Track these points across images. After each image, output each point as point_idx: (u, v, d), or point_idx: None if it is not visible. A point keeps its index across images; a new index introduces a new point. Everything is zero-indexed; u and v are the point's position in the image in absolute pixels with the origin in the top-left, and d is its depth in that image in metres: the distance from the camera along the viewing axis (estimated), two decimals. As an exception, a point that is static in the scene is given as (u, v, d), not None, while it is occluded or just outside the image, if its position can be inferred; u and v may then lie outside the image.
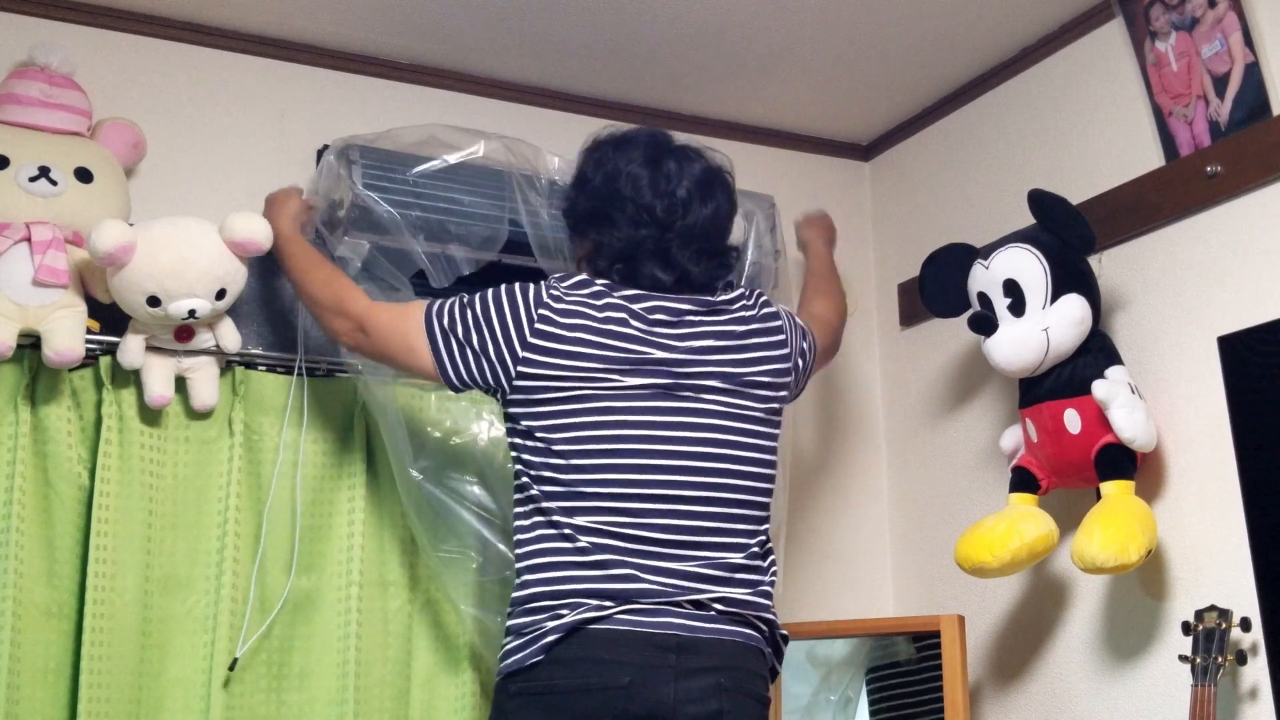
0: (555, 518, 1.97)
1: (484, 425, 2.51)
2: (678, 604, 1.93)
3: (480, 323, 2.05)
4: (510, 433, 2.08)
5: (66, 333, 2.18)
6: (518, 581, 2.01)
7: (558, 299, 2.05)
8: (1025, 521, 2.35)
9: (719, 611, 1.95)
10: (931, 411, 2.93)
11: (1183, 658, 2.14)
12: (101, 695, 2.16)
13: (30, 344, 2.20)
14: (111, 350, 2.27)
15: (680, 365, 2.03)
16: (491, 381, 2.05)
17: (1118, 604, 2.43)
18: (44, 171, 2.24)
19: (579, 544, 1.95)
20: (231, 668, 2.27)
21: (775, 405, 2.12)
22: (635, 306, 2.05)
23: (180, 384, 2.32)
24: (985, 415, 2.76)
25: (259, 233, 2.25)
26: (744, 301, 2.16)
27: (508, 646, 1.98)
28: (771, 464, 2.10)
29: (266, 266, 2.46)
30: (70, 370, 2.24)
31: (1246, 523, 2.18)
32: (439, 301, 2.12)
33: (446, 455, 2.46)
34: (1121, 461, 2.28)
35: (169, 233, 2.21)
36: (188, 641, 2.29)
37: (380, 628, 2.41)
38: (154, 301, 2.19)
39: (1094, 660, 2.46)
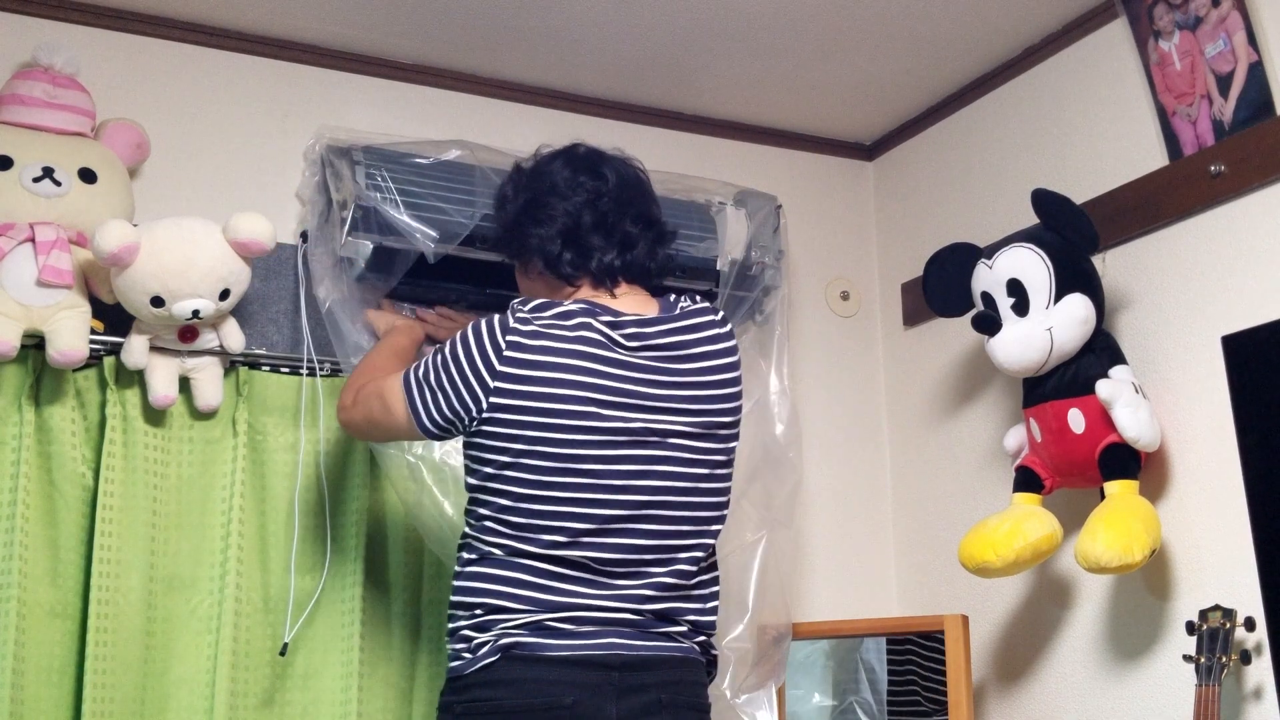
0: (508, 542, 1.95)
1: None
2: (619, 624, 1.94)
3: (448, 362, 1.99)
4: (469, 459, 2.01)
5: (71, 333, 2.18)
6: (464, 586, 1.97)
7: (525, 322, 1.97)
8: (1029, 521, 2.35)
9: (657, 631, 1.97)
10: (935, 411, 2.92)
11: (1187, 657, 2.14)
12: (106, 695, 2.17)
13: (34, 344, 2.20)
14: (115, 350, 2.27)
15: (651, 403, 1.98)
16: (462, 413, 1.97)
17: (1121, 604, 2.42)
18: (48, 172, 2.24)
19: (529, 566, 1.94)
20: (282, 653, 2.30)
21: (732, 445, 2.08)
22: (603, 327, 1.99)
23: (184, 384, 2.33)
24: (989, 415, 2.76)
25: (262, 232, 2.26)
26: (709, 316, 2.10)
27: (454, 651, 1.97)
28: (725, 500, 2.07)
29: (270, 267, 2.46)
30: (74, 370, 2.25)
31: (1250, 522, 2.17)
32: (414, 363, 2.08)
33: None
34: (1125, 461, 2.28)
35: (173, 233, 2.21)
36: (192, 641, 2.29)
37: (384, 628, 2.41)
38: (158, 302, 2.19)
39: (1098, 660, 2.46)
